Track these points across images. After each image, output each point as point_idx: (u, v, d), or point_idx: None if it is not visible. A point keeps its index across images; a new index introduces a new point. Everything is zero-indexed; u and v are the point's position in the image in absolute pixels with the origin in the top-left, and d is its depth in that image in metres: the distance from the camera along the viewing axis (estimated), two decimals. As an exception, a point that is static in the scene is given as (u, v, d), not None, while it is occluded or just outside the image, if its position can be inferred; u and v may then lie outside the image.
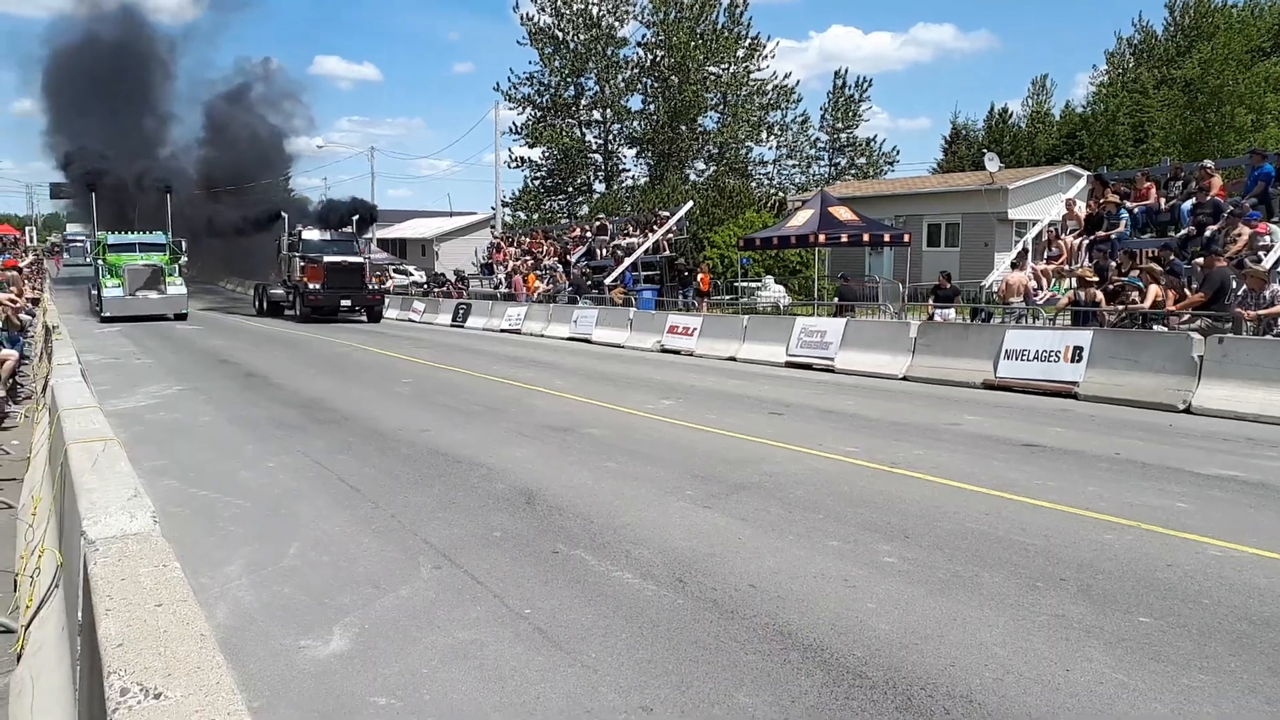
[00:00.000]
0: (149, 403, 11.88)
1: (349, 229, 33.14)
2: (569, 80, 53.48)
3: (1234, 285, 12.39)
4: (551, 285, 30.00)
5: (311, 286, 28.55)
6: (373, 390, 13.12)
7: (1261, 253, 13.59)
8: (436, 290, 36.57)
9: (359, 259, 30.60)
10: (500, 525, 6.07)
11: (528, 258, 34.65)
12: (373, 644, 4.20)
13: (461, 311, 29.35)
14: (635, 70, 53.03)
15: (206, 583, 4.95)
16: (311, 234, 31.07)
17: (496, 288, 33.69)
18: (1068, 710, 3.51)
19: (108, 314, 28.07)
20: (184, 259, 31.56)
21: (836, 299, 21.98)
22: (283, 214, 33.04)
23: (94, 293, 30.25)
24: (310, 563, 5.38)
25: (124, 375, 14.70)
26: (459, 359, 17.65)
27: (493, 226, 45.23)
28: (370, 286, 30.17)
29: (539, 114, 54.09)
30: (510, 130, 53.31)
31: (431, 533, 5.90)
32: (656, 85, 52.41)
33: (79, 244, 65.42)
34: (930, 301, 18.39)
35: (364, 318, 29.99)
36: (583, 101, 54.39)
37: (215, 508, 6.63)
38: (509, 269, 34.10)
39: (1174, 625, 4.30)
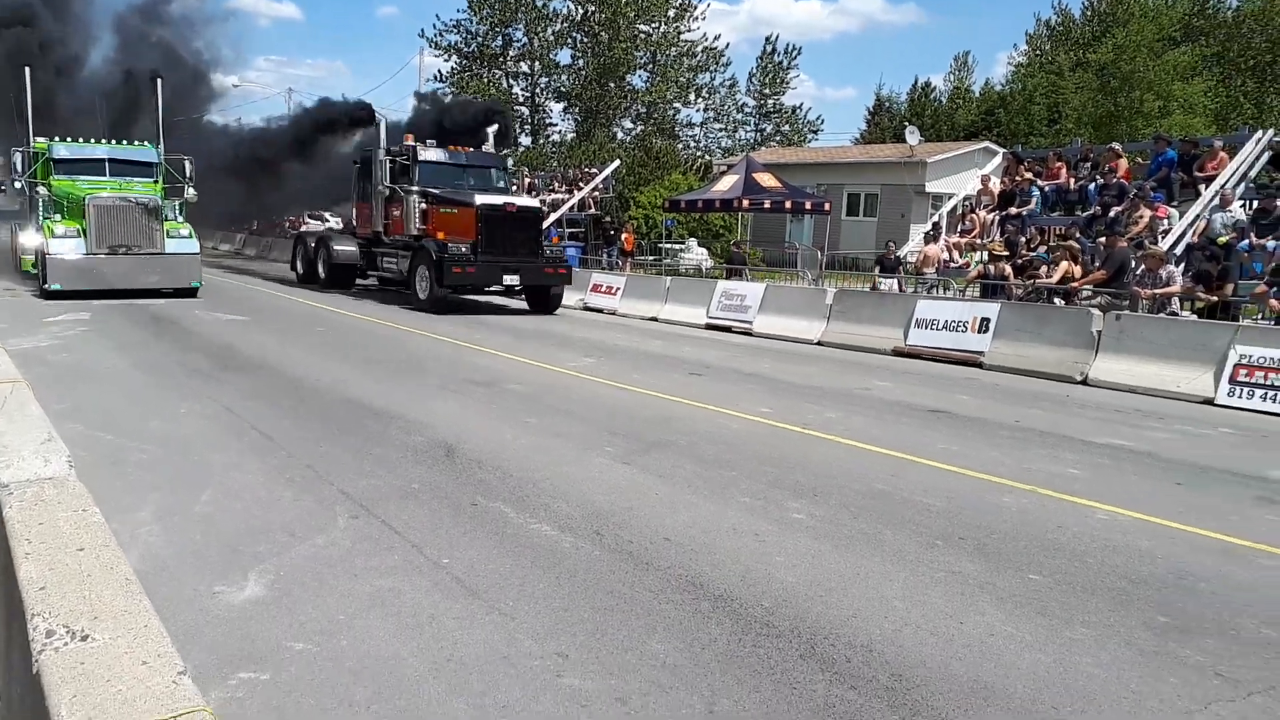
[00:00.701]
0: (50, 343, 11.44)
1: (486, 147, 21.25)
2: (497, 30, 52.42)
3: (1133, 265, 12.96)
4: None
5: (454, 249, 16.77)
6: (290, 340, 12.86)
7: (1160, 234, 14.24)
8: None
9: (532, 202, 19.98)
10: (419, 477, 6.08)
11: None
12: (289, 590, 4.20)
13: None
14: (565, 24, 52.24)
15: (116, 528, 4.79)
16: (434, 153, 18.64)
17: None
18: (959, 660, 3.73)
19: (56, 285, 16.37)
20: (191, 192, 19.38)
21: (726, 263, 22.52)
22: (379, 118, 20.56)
23: (28, 244, 18.72)
24: (224, 509, 5.31)
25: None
26: (378, 310, 17.37)
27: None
28: (549, 253, 18.71)
29: (465, 63, 52.98)
30: (435, 78, 52.19)
31: (348, 483, 5.88)
32: (586, 40, 51.74)
33: None
34: (876, 272, 18.84)
35: (525, 303, 18.70)
36: (510, 52, 53.43)
37: (124, 453, 6.47)
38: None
39: (1061, 583, 4.58)
